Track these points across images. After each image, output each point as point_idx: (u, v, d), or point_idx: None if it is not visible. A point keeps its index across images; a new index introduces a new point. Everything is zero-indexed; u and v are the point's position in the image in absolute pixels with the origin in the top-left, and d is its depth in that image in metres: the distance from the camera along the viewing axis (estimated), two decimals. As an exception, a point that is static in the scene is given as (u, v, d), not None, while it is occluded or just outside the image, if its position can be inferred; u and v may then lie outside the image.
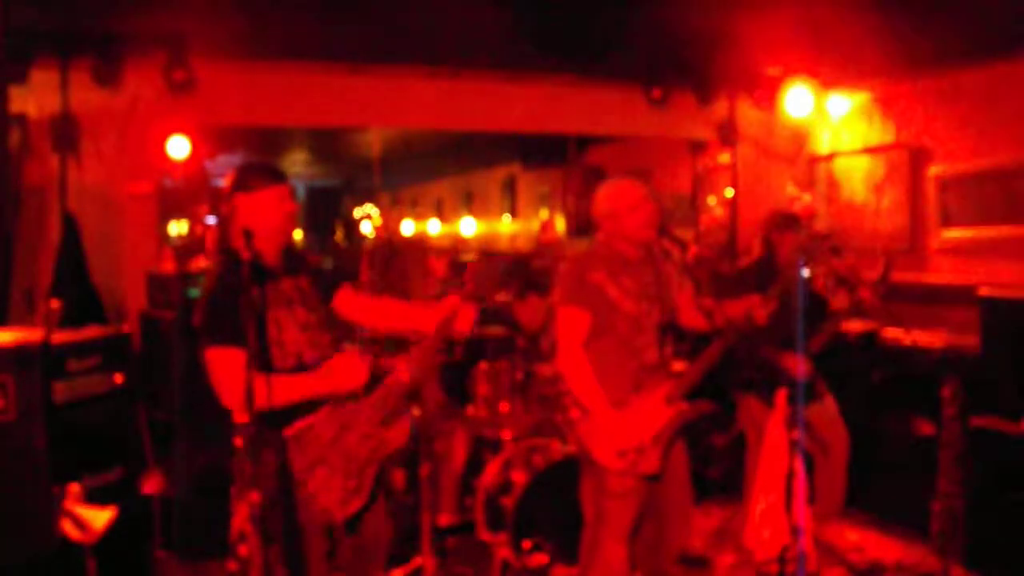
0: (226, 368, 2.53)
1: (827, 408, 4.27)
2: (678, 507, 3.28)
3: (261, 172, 2.77)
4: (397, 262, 6.84)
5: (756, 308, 3.15)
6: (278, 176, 2.78)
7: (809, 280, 3.88)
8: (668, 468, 3.18)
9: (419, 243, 7.78)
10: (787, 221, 4.33)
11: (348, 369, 2.67)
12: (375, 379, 2.80)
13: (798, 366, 4.05)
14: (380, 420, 2.75)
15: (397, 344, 3.30)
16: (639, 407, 3.07)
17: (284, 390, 2.59)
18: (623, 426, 3.02)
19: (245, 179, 2.74)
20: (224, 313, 2.55)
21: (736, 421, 5.11)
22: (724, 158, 6.67)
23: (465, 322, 2.89)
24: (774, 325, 3.69)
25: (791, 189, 6.41)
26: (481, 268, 3.03)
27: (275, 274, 2.77)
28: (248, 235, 2.47)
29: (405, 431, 2.78)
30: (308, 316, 2.81)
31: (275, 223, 2.73)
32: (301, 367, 2.72)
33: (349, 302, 3.01)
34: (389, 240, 7.18)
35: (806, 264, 4.00)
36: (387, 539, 3.03)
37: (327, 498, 2.67)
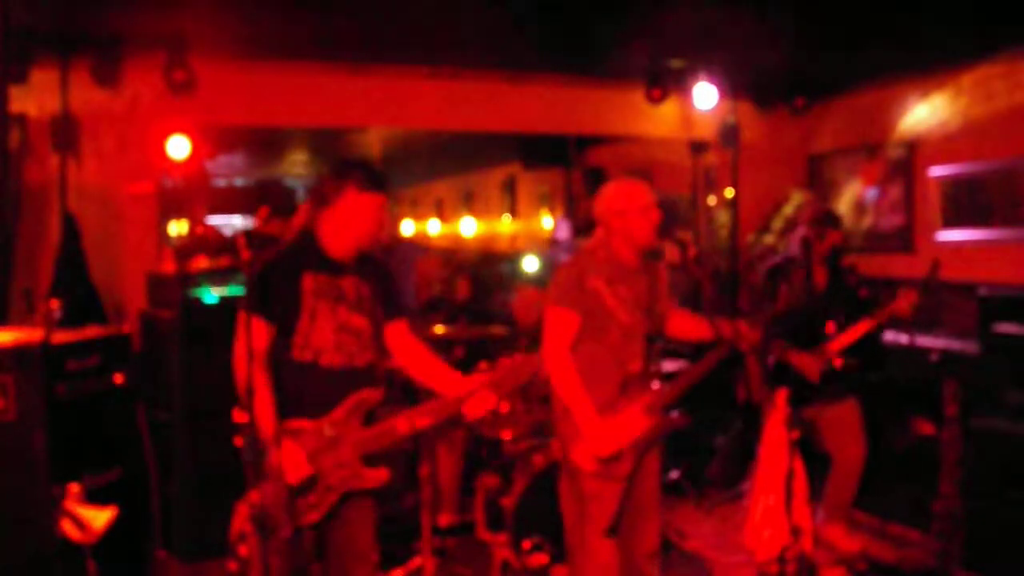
0: (242, 329, 2.57)
1: (845, 413, 4.22)
2: (649, 505, 3.28)
3: (376, 177, 2.80)
4: (391, 262, 6.83)
5: (745, 332, 3.12)
6: (383, 185, 2.81)
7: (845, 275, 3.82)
8: (642, 470, 3.19)
9: (411, 244, 7.76)
10: (829, 219, 4.22)
11: (289, 462, 2.61)
12: (372, 416, 2.79)
13: (812, 367, 4.03)
14: (362, 456, 2.73)
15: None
16: (620, 416, 3.07)
17: (262, 406, 2.56)
18: (604, 432, 3.01)
19: (362, 177, 2.77)
20: (260, 283, 2.58)
21: (736, 422, 5.12)
22: (724, 158, 6.67)
23: (478, 408, 2.84)
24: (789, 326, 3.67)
25: (792, 191, 6.40)
26: (516, 364, 2.93)
27: (340, 268, 2.79)
28: (249, 237, 2.46)
29: (383, 477, 2.75)
30: (351, 319, 2.80)
31: (366, 228, 2.78)
32: (315, 365, 2.72)
33: (396, 336, 2.97)
34: (382, 240, 7.16)
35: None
36: (367, 545, 2.97)
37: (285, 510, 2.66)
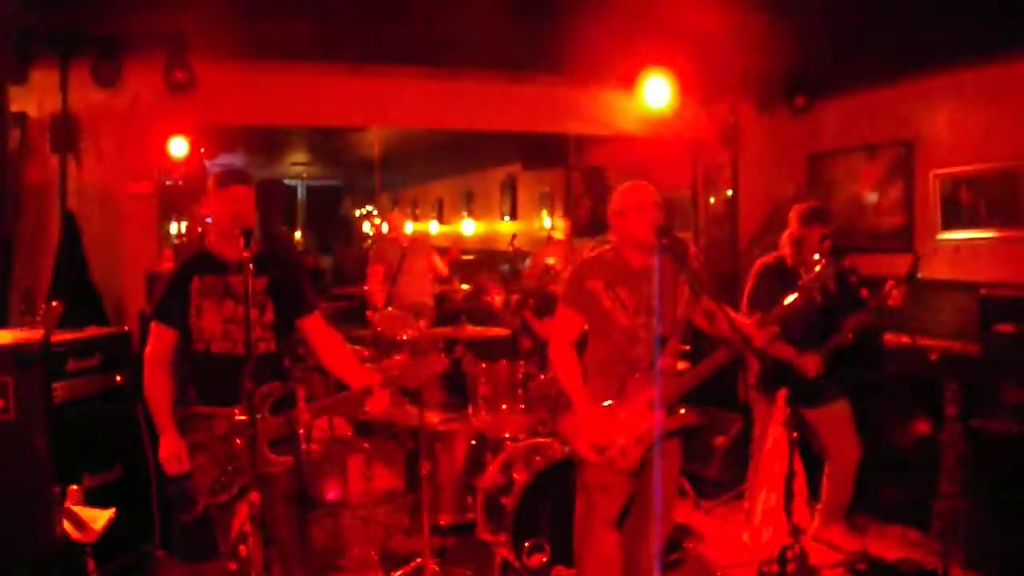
0: (151, 336, 3.06)
1: (838, 413, 4.21)
2: (661, 507, 3.28)
3: (222, 175, 3.08)
4: (407, 260, 6.90)
5: (753, 333, 3.14)
6: (234, 179, 3.07)
7: (834, 279, 3.82)
8: (656, 469, 3.19)
9: (424, 241, 7.82)
10: (816, 214, 4.20)
11: (168, 454, 2.96)
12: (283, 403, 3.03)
13: (811, 365, 4.03)
14: (269, 441, 2.95)
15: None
16: (622, 409, 3.10)
17: (154, 394, 3.02)
18: (600, 422, 3.08)
19: (217, 177, 3.08)
20: (163, 294, 3.07)
21: (736, 422, 5.12)
22: (724, 158, 6.66)
23: (377, 404, 3.10)
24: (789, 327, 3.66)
25: (791, 189, 6.39)
26: (416, 363, 3.29)
27: (227, 268, 3.01)
28: (247, 237, 2.78)
29: (288, 462, 3.00)
30: (238, 311, 2.98)
31: (227, 217, 2.99)
32: (207, 354, 3.00)
33: (311, 329, 3.21)
34: (397, 239, 7.23)
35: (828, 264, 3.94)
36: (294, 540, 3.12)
37: (202, 480, 2.95)
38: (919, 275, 4.09)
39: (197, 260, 3.06)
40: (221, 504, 2.95)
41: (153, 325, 3.05)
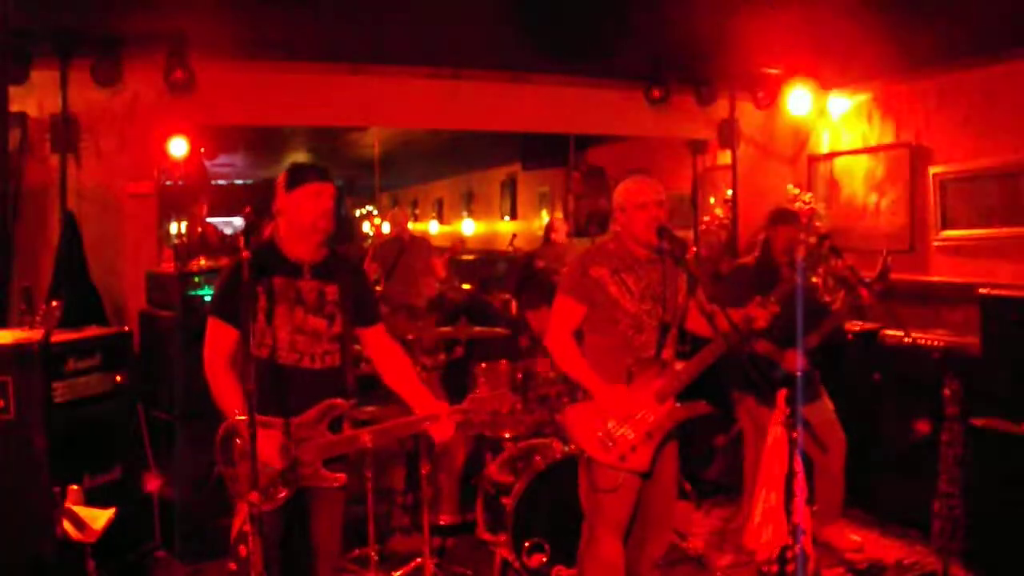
0: (209, 333, 2.83)
1: (825, 409, 4.25)
2: (662, 511, 3.29)
3: (300, 171, 2.91)
4: (404, 259, 6.90)
5: (756, 313, 3.16)
6: (317, 174, 2.90)
7: (808, 279, 3.87)
8: (658, 470, 3.18)
9: (425, 242, 7.82)
10: (781, 216, 4.30)
11: (272, 454, 2.71)
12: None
13: (795, 361, 4.05)
14: (323, 458, 2.82)
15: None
16: (631, 396, 3.09)
17: (223, 395, 2.76)
18: (625, 399, 3.05)
19: (287, 178, 2.90)
20: (224, 289, 2.84)
21: (735, 421, 5.12)
22: (724, 158, 6.67)
23: (442, 433, 2.99)
24: (773, 326, 3.69)
25: (791, 189, 6.39)
26: (482, 400, 3.08)
27: (300, 271, 2.87)
28: (248, 233, 2.71)
29: (342, 480, 2.86)
30: (308, 321, 2.87)
31: (308, 220, 2.84)
32: (271, 363, 2.81)
33: (374, 340, 3.08)
34: (399, 237, 7.23)
35: (805, 262, 3.97)
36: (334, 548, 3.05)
37: (246, 488, 2.74)
38: (888, 274, 4.16)
39: (267, 257, 2.85)
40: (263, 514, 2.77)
41: (211, 322, 2.82)
